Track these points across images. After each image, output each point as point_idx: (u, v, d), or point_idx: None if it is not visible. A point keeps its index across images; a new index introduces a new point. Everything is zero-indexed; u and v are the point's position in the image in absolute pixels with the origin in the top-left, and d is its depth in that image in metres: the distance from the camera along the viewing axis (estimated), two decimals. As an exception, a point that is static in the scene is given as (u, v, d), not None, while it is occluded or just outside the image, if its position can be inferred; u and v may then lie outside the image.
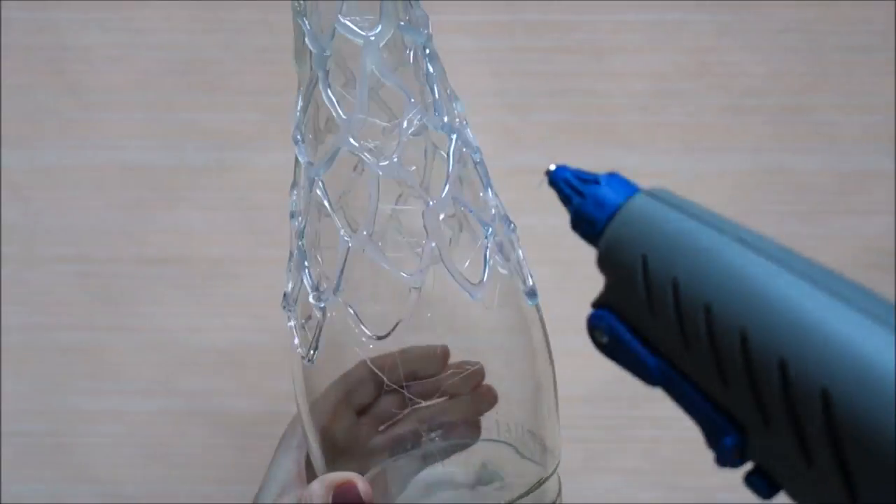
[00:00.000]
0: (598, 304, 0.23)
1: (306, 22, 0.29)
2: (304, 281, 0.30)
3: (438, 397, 0.33)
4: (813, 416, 0.16)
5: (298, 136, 0.30)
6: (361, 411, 0.34)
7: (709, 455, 0.49)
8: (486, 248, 0.29)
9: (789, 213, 0.51)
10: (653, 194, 0.22)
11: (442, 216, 0.29)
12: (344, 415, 0.33)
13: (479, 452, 0.33)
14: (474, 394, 0.33)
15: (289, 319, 0.31)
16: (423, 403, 0.33)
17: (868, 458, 0.15)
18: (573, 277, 0.51)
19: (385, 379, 0.31)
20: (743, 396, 0.18)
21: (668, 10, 0.50)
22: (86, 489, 0.54)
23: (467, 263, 0.30)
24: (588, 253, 0.57)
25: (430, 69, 0.29)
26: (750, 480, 0.18)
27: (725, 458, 0.19)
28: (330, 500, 0.29)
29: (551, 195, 0.54)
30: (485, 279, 0.29)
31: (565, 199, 0.24)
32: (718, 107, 0.50)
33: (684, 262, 0.20)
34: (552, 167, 0.25)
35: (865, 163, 0.50)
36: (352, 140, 0.28)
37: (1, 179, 0.52)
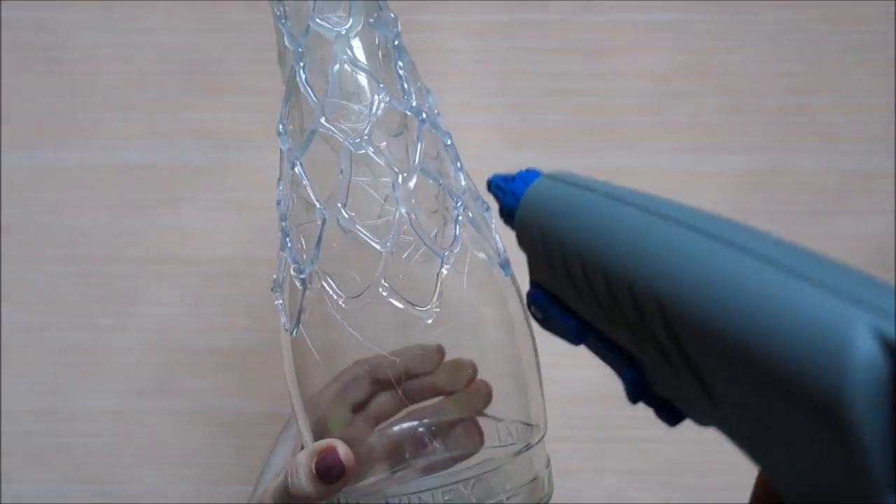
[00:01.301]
0: (531, 283, 0.26)
1: (286, 24, 0.32)
2: (287, 256, 0.32)
3: (433, 396, 0.34)
4: (657, 327, 0.19)
5: (281, 128, 0.32)
6: (357, 410, 0.34)
7: (708, 455, 0.50)
8: (457, 217, 0.32)
9: (789, 213, 0.51)
10: (551, 177, 0.26)
11: (412, 183, 0.31)
12: (339, 412, 0.33)
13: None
14: (469, 390, 0.34)
15: (276, 300, 0.33)
16: (418, 405, 0.34)
17: (700, 349, 0.18)
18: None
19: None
20: (628, 333, 0.21)
21: (668, 10, 0.50)
22: (86, 489, 0.54)
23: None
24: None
25: (400, 62, 0.32)
26: (659, 414, 0.21)
27: (631, 392, 0.21)
28: (313, 466, 0.29)
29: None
30: (454, 244, 0.31)
31: (496, 200, 0.28)
32: (718, 107, 0.50)
33: (568, 227, 0.23)
34: (490, 177, 0.28)
35: (865, 163, 0.50)
36: (324, 121, 0.31)
37: (1, 179, 0.52)
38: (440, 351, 0.33)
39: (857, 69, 0.50)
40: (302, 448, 0.34)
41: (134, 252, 0.52)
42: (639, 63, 0.50)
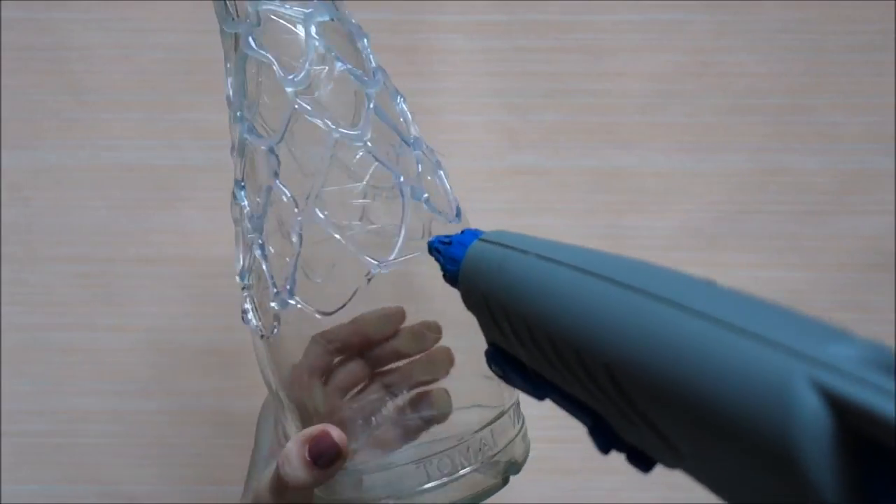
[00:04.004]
0: (487, 342, 0.26)
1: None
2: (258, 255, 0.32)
3: (398, 360, 0.33)
4: (609, 389, 0.20)
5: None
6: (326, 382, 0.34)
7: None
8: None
9: (789, 213, 0.51)
10: (487, 240, 0.26)
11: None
12: (313, 387, 0.33)
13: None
14: (429, 355, 0.33)
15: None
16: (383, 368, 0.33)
17: (654, 409, 0.19)
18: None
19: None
20: (586, 389, 0.21)
21: (668, 10, 0.50)
22: (86, 489, 0.54)
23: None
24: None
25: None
26: (631, 461, 0.21)
27: (600, 444, 0.22)
28: (307, 454, 0.29)
29: (551, 195, 0.54)
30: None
31: (438, 263, 0.27)
32: (718, 107, 0.50)
33: (509, 293, 0.23)
34: (430, 239, 0.28)
35: (865, 163, 0.50)
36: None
37: (1, 179, 0.52)
38: (399, 313, 0.32)
39: (857, 69, 0.50)
40: (286, 436, 0.34)
41: (134, 252, 0.52)
42: (639, 63, 0.50)
